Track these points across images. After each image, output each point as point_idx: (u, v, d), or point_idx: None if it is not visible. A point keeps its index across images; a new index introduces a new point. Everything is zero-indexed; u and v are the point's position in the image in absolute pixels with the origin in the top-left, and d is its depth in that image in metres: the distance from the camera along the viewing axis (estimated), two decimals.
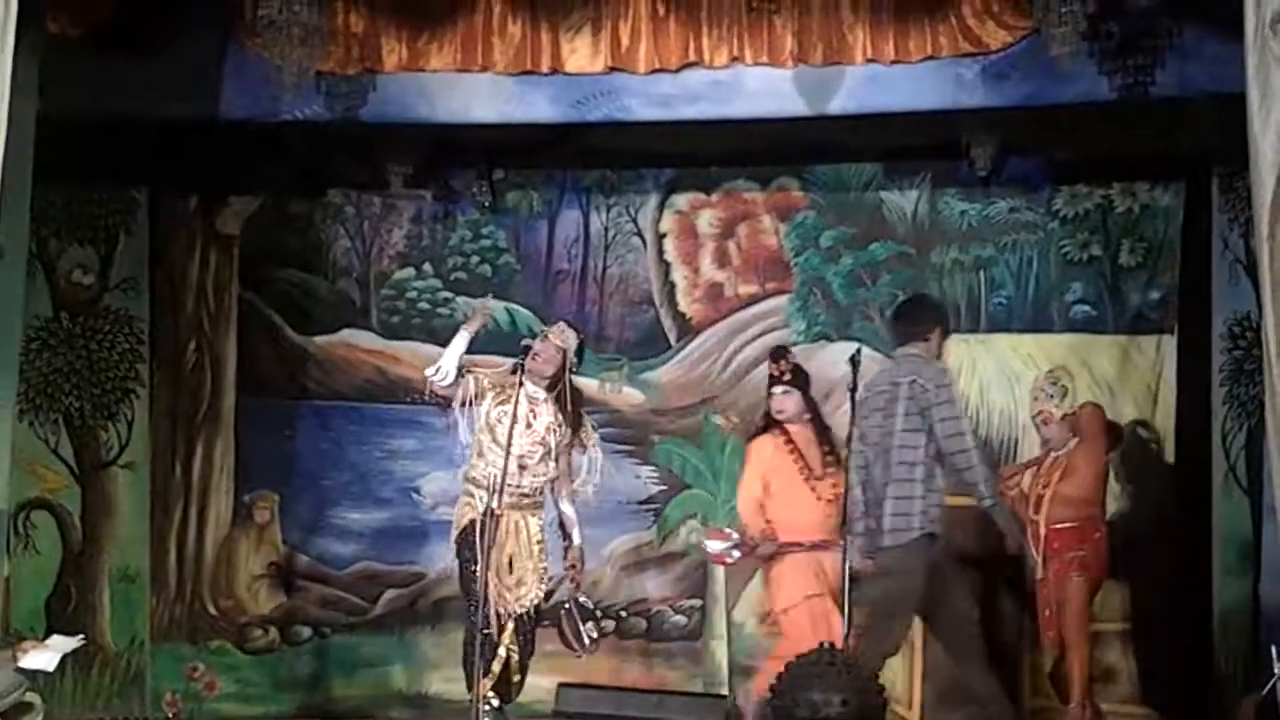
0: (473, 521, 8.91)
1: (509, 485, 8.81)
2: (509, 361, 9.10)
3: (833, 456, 9.41)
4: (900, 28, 9.42)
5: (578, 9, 9.57)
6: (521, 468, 8.94)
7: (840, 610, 8.57)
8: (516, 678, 9.01)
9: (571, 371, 9.22)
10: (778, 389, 9.57)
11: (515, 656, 8.97)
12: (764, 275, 11.37)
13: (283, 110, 9.61)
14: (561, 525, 9.33)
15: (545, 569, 9.10)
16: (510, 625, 8.93)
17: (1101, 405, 10.52)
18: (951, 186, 11.10)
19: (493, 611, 8.84)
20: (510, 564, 8.99)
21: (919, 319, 9.20)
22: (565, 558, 9.28)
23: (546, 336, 9.24)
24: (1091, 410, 10.38)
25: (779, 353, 9.79)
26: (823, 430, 9.59)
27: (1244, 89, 7.82)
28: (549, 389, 9.14)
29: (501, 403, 9.01)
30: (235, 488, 11.47)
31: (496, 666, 8.87)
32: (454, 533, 9.10)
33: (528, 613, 9.03)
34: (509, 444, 8.76)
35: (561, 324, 9.43)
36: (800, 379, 9.60)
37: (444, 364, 9.05)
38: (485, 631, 8.69)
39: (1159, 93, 9.24)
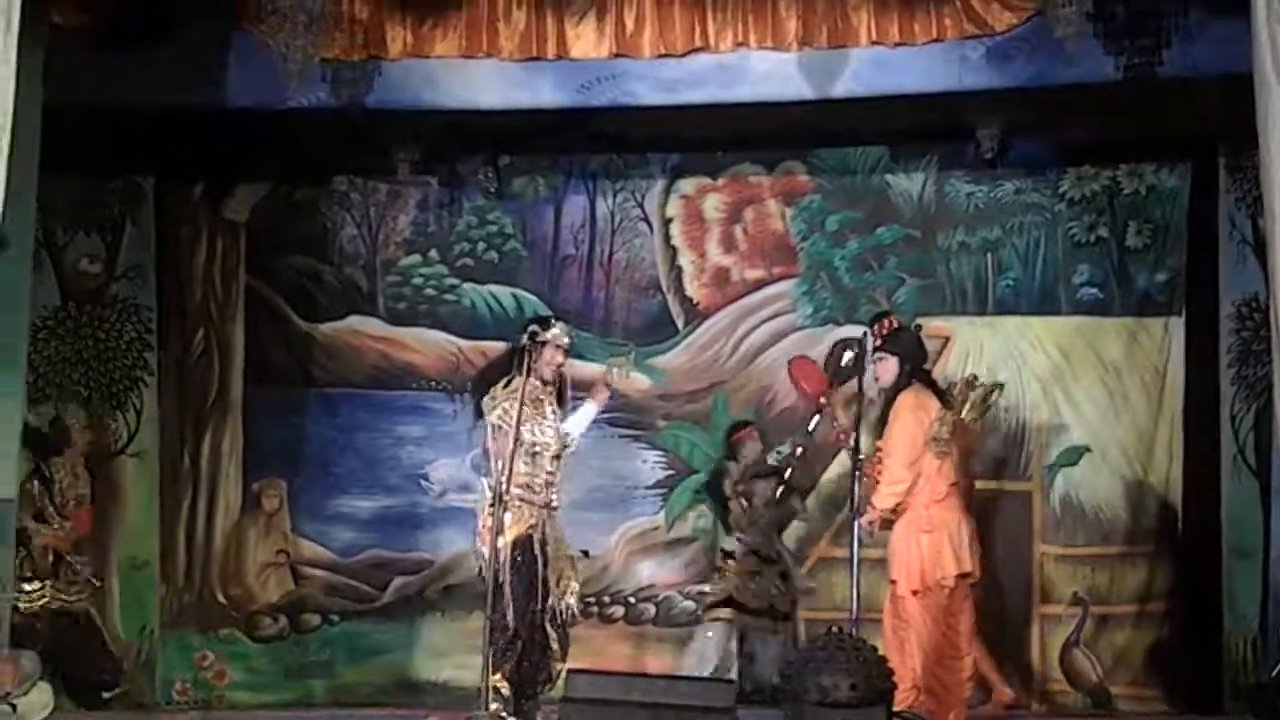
0: (526, 536, 8.92)
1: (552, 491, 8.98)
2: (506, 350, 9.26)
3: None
4: (904, 10, 9.42)
5: None
6: (551, 472, 9.00)
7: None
8: (557, 666, 9.07)
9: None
10: (875, 355, 9.15)
11: (557, 647, 9.04)
12: (770, 259, 11.36)
13: (288, 98, 9.59)
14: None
15: (577, 560, 9.17)
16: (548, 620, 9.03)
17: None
18: (958, 169, 11.09)
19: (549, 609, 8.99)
20: (559, 576, 9.10)
21: None
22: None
23: (546, 343, 9.12)
24: None
25: (878, 317, 9.49)
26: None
27: (1250, 69, 7.81)
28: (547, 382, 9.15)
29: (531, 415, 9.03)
30: (244, 476, 11.48)
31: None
32: (503, 544, 8.83)
33: (570, 607, 9.12)
34: (555, 450, 8.92)
35: (559, 326, 9.27)
36: (897, 344, 9.16)
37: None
38: (500, 622, 8.77)
39: (1165, 74, 9.22)
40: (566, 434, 8.99)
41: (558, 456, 8.97)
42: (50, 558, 10.16)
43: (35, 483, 10.22)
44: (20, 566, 9.91)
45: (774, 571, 10.47)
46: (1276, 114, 7.71)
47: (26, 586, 10.05)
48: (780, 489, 10.48)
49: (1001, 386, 10.06)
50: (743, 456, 10.68)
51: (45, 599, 10.01)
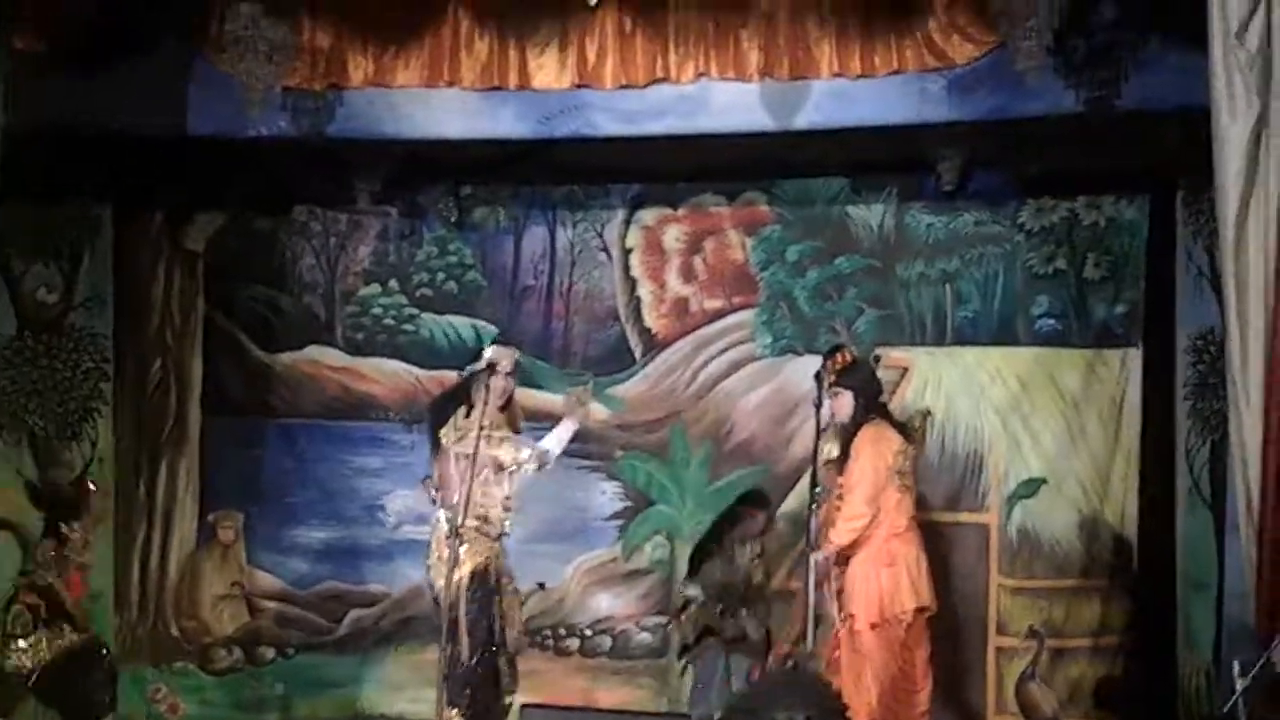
0: (484, 567, 8.94)
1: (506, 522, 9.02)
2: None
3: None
4: (866, 42, 9.45)
5: (545, 25, 9.58)
6: (508, 498, 9.01)
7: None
8: (509, 699, 9.05)
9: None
10: (830, 390, 9.28)
11: (507, 679, 9.03)
12: (730, 289, 11.34)
13: (248, 126, 9.59)
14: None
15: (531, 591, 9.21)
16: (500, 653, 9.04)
17: None
18: (918, 200, 11.07)
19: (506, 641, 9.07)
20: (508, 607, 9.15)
21: None
22: None
23: (495, 371, 9.13)
24: None
25: (831, 351, 9.56)
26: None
27: (1208, 103, 7.86)
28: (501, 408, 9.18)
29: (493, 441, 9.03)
30: (200, 507, 11.44)
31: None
32: (459, 577, 8.91)
33: (519, 639, 9.24)
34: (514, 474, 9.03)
35: (508, 351, 9.36)
36: (853, 378, 9.33)
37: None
38: (455, 656, 8.77)
39: (1124, 107, 9.28)
40: (545, 451, 9.03)
41: (538, 469, 9.03)
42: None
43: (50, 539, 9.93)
44: (11, 622, 9.68)
45: (734, 608, 10.35)
46: (1232, 147, 7.76)
47: (22, 643, 9.74)
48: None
49: (929, 413, 10.25)
50: (739, 530, 10.51)
51: (42, 652, 9.73)
